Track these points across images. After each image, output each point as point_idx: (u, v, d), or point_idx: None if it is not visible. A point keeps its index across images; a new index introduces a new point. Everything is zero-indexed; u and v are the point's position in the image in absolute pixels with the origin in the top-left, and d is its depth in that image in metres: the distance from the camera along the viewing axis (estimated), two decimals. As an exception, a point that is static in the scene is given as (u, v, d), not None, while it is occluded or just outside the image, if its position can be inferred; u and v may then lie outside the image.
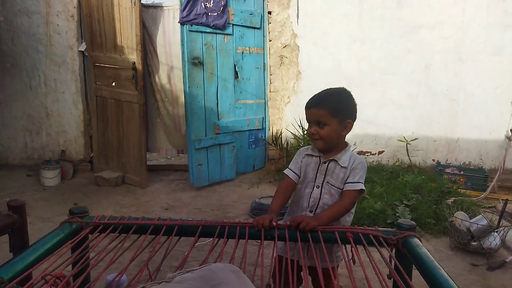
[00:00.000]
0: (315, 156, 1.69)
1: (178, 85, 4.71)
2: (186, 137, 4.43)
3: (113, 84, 4.41)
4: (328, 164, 1.65)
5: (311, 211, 1.68)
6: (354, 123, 1.67)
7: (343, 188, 1.63)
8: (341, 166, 1.63)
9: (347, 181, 1.62)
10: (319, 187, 1.66)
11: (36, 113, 4.81)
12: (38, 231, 3.08)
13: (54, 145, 4.89)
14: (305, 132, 4.64)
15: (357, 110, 1.68)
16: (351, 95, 1.67)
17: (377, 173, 4.42)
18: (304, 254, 1.25)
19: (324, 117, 1.58)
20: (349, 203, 1.60)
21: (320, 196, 1.65)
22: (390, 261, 1.21)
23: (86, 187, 4.40)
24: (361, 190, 1.61)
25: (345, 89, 1.68)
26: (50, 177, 4.41)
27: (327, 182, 1.65)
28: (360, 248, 1.31)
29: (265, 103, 4.98)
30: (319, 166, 1.67)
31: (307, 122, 1.66)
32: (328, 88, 1.69)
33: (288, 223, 1.41)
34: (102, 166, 4.68)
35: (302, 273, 1.18)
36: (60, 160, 4.67)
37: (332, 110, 1.58)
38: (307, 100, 1.66)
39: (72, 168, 4.70)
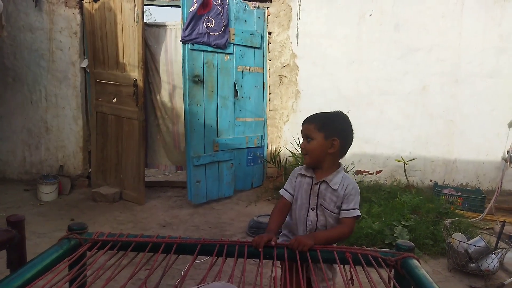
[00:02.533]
0: (307, 176, 1.68)
1: (178, 103, 4.75)
2: (185, 154, 4.45)
3: (114, 100, 4.45)
4: (319, 186, 1.65)
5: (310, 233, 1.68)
6: (351, 146, 1.68)
7: (338, 214, 1.63)
8: (332, 189, 1.62)
9: (343, 208, 1.61)
10: (314, 209, 1.65)
11: (36, 128, 4.83)
12: (34, 246, 3.06)
13: (52, 160, 4.89)
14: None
15: (354, 131, 1.70)
16: (347, 119, 1.69)
17: (375, 192, 4.43)
18: (304, 275, 1.25)
19: (311, 131, 1.63)
20: (348, 231, 1.60)
21: (317, 218, 1.65)
22: (389, 282, 1.21)
23: (83, 203, 4.38)
24: (357, 216, 1.61)
25: (342, 113, 1.71)
26: (47, 192, 4.40)
27: (321, 205, 1.65)
28: (358, 268, 1.31)
29: (264, 121, 5.02)
30: (311, 188, 1.66)
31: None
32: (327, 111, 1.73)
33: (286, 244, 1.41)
34: (100, 182, 4.67)
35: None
36: (58, 175, 4.66)
37: (319, 125, 1.62)
38: None
39: (69, 184, 4.69)
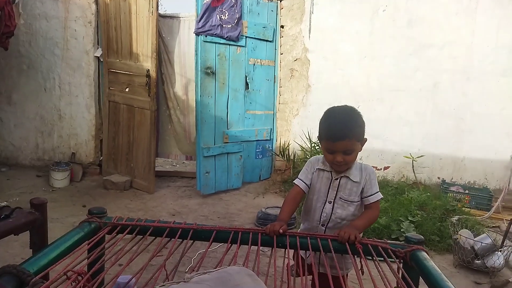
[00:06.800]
0: (326, 171, 1.72)
1: (190, 94, 4.80)
2: (195, 145, 4.50)
3: (127, 90, 4.51)
4: (340, 180, 1.70)
5: (322, 225, 1.74)
6: None
7: (359, 201, 1.69)
8: (353, 181, 1.68)
9: (368, 194, 1.68)
10: (331, 203, 1.71)
11: (49, 115, 4.91)
12: (48, 231, 3.14)
13: (65, 147, 4.97)
14: (313, 144, 4.70)
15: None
16: (359, 112, 1.68)
17: (382, 188, 4.45)
18: (316, 261, 1.30)
19: (352, 145, 1.60)
20: (377, 213, 1.72)
21: (332, 210, 1.71)
22: (398, 273, 1.25)
23: (94, 190, 4.47)
24: (381, 197, 1.71)
25: (354, 109, 1.68)
26: (60, 178, 4.49)
27: (340, 198, 1.70)
28: (368, 259, 1.35)
29: (274, 115, 5.05)
30: (331, 182, 1.71)
31: (328, 151, 1.63)
32: (340, 110, 1.67)
33: (336, 236, 1.41)
34: (110, 170, 4.75)
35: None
36: (70, 162, 4.74)
37: (358, 136, 1.62)
38: (327, 129, 1.63)
39: (81, 171, 4.78)
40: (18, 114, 4.90)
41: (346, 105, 1.70)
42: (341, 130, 1.59)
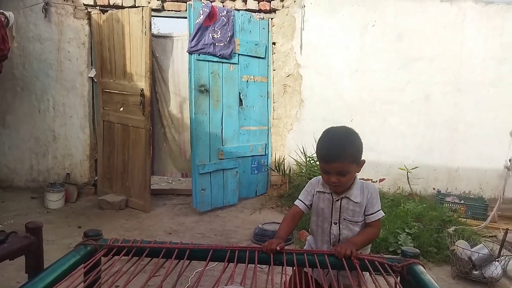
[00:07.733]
0: (327, 193, 1.72)
1: (184, 112, 4.83)
2: (191, 162, 4.50)
3: (121, 109, 4.53)
4: (341, 201, 1.69)
5: (333, 245, 1.73)
6: None
7: (363, 220, 1.69)
8: (354, 202, 1.68)
9: (369, 212, 1.68)
10: (337, 224, 1.71)
11: (43, 136, 4.90)
12: (43, 253, 3.10)
13: (59, 168, 4.95)
14: (307, 158, 4.72)
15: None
16: (356, 132, 1.67)
17: (379, 200, 4.46)
18: (324, 277, 1.30)
19: (346, 167, 1.58)
20: (377, 231, 1.72)
21: (340, 231, 1.71)
22: (395, 288, 1.26)
23: (89, 210, 4.43)
24: (382, 216, 1.71)
25: (351, 130, 1.67)
26: (54, 199, 4.45)
27: (344, 219, 1.70)
28: (365, 274, 1.36)
29: (268, 130, 5.08)
30: (332, 204, 1.71)
31: (323, 171, 1.64)
32: (336, 131, 1.66)
33: (333, 252, 1.42)
34: (106, 190, 4.73)
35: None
36: (65, 183, 4.72)
37: (353, 158, 1.60)
38: (321, 149, 1.64)
39: (76, 191, 4.75)
40: (13, 136, 4.89)
41: (343, 126, 1.70)
42: (334, 152, 1.59)
